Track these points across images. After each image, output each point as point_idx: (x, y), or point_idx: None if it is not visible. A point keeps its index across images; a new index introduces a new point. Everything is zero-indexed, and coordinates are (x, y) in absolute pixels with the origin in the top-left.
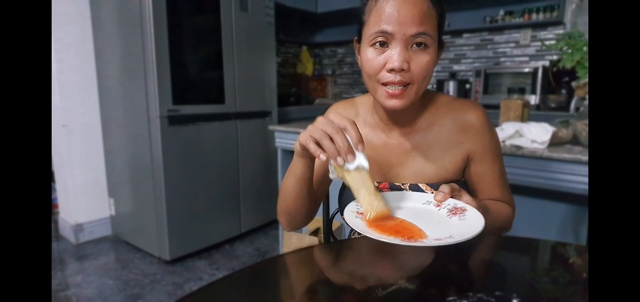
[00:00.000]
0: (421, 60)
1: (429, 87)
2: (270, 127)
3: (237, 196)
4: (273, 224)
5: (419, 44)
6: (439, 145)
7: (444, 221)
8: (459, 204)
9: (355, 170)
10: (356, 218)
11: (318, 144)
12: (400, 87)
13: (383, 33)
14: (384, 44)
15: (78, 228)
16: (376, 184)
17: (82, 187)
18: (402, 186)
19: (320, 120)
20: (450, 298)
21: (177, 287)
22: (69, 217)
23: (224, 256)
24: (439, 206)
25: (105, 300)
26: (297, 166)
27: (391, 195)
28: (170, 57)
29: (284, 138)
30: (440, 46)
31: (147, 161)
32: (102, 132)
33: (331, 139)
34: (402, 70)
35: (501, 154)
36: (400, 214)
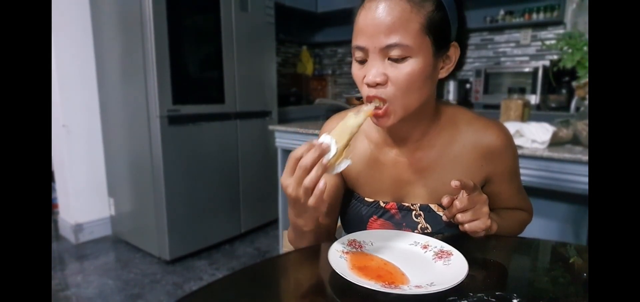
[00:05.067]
0: (400, 72)
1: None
2: (270, 127)
3: (237, 196)
4: (273, 224)
5: (396, 55)
6: (455, 165)
7: (428, 265)
8: (446, 247)
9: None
10: (340, 258)
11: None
12: (383, 105)
13: (358, 48)
14: (363, 59)
15: (78, 228)
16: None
17: (82, 187)
18: (411, 207)
19: (284, 182)
20: (451, 298)
21: (177, 287)
22: (69, 217)
23: (224, 256)
24: (425, 248)
25: (105, 300)
26: (301, 223)
27: (380, 233)
28: (170, 57)
29: (284, 138)
30: (444, 50)
31: (147, 161)
32: (102, 132)
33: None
34: (378, 84)
35: (519, 171)
36: (385, 255)
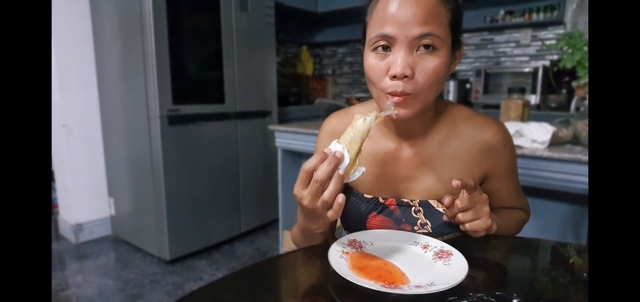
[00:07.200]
0: (427, 65)
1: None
2: (270, 127)
3: (237, 196)
4: (273, 224)
5: (426, 47)
6: (454, 162)
7: (428, 265)
8: (446, 247)
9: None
10: (340, 258)
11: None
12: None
13: (384, 37)
14: (386, 49)
15: (78, 228)
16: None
17: (82, 187)
18: (410, 203)
19: (298, 194)
20: (451, 298)
21: (177, 287)
22: (69, 217)
23: (224, 256)
24: (425, 248)
25: (105, 300)
26: (313, 227)
27: (380, 233)
28: (170, 57)
29: (284, 138)
30: (456, 46)
31: (147, 161)
32: (102, 132)
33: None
34: (406, 77)
35: (517, 169)
36: (385, 255)
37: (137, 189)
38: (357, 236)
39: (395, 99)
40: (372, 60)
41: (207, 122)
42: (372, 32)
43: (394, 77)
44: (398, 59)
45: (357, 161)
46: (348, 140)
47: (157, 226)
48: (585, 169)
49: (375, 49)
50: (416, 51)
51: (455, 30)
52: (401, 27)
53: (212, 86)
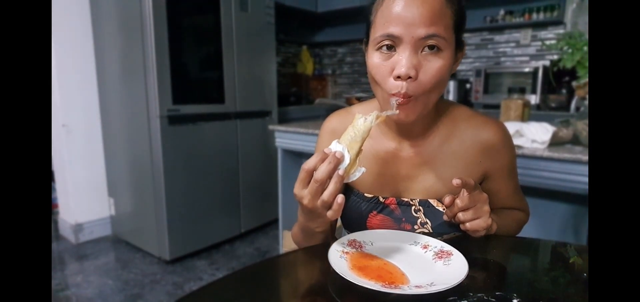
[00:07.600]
0: (431, 66)
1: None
2: (270, 127)
3: (237, 196)
4: (273, 224)
5: (431, 47)
6: (454, 161)
7: (428, 265)
8: (446, 247)
9: (348, 157)
10: (340, 258)
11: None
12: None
13: (389, 36)
14: (391, 48)
15: (78, 228)
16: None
17: (82, 187)
18: (410, 202)
19: (298, 193)
20: (451, 298)
21: (177, 287)
22: (69, 217)
23: (224, 256)
24: (425, 248)
25: (105, 300)
26: (313, 226)
27: (380, 233)
28: (170, 57)
29: (284, 138)
30: (459, 47)
31: (147, 161)
32: (102, 132)
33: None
34: (410, 78)
35: (516, 169)
36: (385, 255)
37: (137, 189)
38: (357, 236)
39: (399, 100)
40: (376, 60)
41: (207, 122)
42: (377, 32)
43: (398, 77)
44: (403, 60)
45: (358, 160)
46: (348, 140)
47: (157, 226)
48: (585, 169)
49: (379, 48)
50: (421, 52)
51: (459, 32)
52: (407, 27)
53: (212, 86)
